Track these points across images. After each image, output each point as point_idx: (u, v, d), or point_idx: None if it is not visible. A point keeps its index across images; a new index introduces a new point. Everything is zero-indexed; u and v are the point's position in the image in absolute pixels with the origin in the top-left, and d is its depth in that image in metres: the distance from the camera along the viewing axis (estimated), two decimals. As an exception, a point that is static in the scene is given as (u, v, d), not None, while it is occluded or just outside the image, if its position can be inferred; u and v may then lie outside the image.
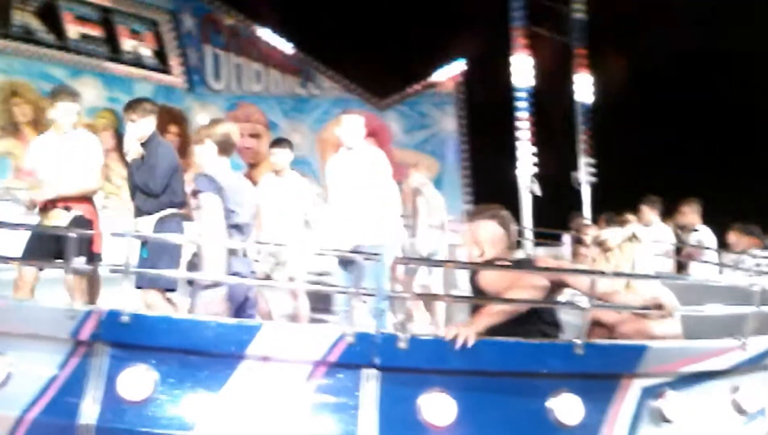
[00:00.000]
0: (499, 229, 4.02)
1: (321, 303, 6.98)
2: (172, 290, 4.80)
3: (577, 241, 9.37)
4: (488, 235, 3.98)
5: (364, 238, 5.06)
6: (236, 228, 4.42)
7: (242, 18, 15.34)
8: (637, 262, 4.02)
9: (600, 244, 4.15)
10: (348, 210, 5.18)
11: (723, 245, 8.01)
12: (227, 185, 4.37)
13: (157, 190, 4.91)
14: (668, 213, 8.88)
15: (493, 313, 3.37)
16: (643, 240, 4.12)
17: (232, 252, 4.24)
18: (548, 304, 3.61)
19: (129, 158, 5.17)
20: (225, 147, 4.55)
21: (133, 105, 5.25)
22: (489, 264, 3.91)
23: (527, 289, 3.54)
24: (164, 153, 5.11)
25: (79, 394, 3.03)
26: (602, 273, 3.50)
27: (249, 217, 4.50)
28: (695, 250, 8.12)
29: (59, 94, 5.62)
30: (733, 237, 7.89)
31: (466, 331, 3.17)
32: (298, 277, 6.24)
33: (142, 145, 5.10)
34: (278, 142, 6.82)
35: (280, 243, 5.86)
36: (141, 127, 5.12)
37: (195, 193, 4.43)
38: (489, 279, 3.78)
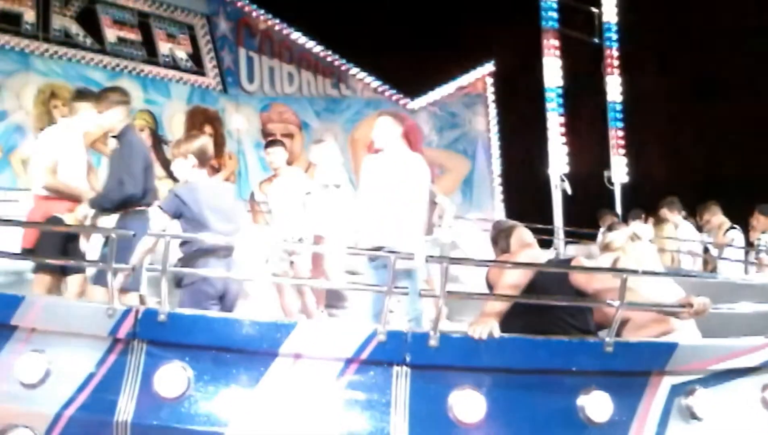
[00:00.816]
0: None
1: (335, 300, 7.09)
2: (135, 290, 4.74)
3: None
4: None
5: (387, 240, 5.04)
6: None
7: (276, 21, 15.47)
8: (642, 260, 4.01)
9: (605, 246, 4.17)
10: (377, 212, 5.20)
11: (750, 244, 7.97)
12: (203, 198, 4.44)
13: (129, 186, 4.87)
14: (694, 213, 8.81)
15: (498, 308, 3.38)
16: (645, 238, 4.12)
17: (211, 252, 4.30)
18: (580, 303, 3.62)
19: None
20: (203, 159, 4.69)
21: (100, 95, 5.28)
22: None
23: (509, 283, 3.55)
24: (138, 148, 5.08)
25: (116, 391, 3.09)
26: (634, 272, 3.48)
27: (228, 222, 4.54)
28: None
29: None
30: (754, 220, 7.83)
31: (486, 327, 3.18)
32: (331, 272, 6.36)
33: (115, 138, 5.07)
34: (271, 143, 6.99)
35: (289, 240, 5.95)
36: (107, 119, 5.08)
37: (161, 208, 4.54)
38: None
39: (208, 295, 4.21)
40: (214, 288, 4.25)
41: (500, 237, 4.18)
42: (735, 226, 8.38)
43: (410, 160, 5.45)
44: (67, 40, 12.96)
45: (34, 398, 3.10)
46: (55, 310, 3.31)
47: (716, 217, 8.48)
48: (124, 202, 4.89)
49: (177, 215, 4.31)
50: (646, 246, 4.15)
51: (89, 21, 13.27)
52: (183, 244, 4.26)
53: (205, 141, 4.82)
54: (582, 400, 3.21)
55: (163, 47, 14.21)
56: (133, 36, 13.87)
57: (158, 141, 13.51)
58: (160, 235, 3.38)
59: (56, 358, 3.15)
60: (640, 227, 8.39)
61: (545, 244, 9.21)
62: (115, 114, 5.10)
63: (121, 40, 13.68)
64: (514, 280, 3.55)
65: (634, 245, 4.11)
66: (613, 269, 3.87)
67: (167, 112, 14.00)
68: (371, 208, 5.24)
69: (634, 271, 3.46)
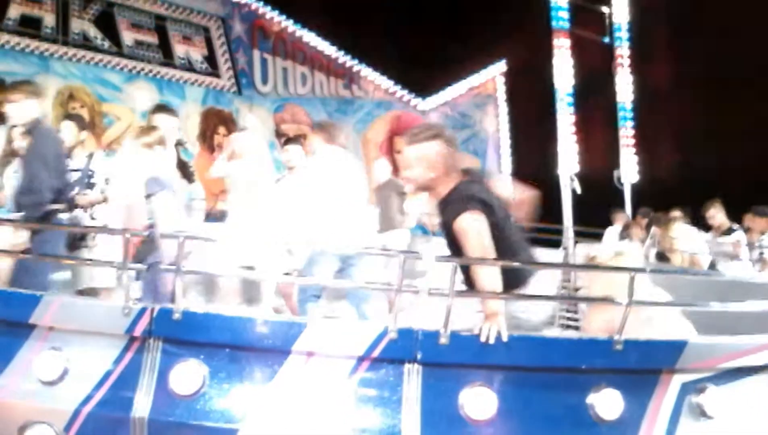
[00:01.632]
0: (445, 146, 3.73)
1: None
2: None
3: (624, 239, 9.31)
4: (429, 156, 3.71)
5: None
6: None
7: (289, 23, 15.56)
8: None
9: (591, 259, 4.21)
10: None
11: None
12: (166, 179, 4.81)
13: (43, 184, 4.77)
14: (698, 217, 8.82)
15: (489, 288, 3.35)
16: (630, 255, 4.15)
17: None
18: (581, 299, 3.64)
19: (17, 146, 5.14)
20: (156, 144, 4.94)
21: (13, 86, 5.37)
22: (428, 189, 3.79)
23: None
24: (51, 142, 5.01)
25: (133, 388, 3.15)
26: (642, 269, 3.50)
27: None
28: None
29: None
30: (748, 221, 7.81)
31: (494, 327, 3.20)
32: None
33: (27, 132, 5.00)
34: (289, 141, 7.05)
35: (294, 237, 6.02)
36: (22, 109, 4.98)
37: (148, 196, 4.70)
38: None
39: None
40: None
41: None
42: (734, 226, 8.37)
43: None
44: (85, 44, 13.13)
45: (53, 395, 3.15)
46: (72, 309, 3.36)
47: (719, 216, 8.47)
48: (41, 199, 4.76)
49: None
50: (631, 262, 4.16)
51: (107, 24, 13.45)
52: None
53: (162, 132, 5.03)
54: (592, 398, 3.23)
55: (179, 49, 14.34)
56: (150, 39, 14.02)
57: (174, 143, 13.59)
58: (174, 235, 3.42)
59: (74, 356, 3.20)
60: (628, 245, 8.48)
61: (554, 243, 9.22)
62: (30, 106, 4.97)
63: (138, 43, 13.83)
64: (478, 236, 3.47)
65: (619, 261, 4.14)
66: (617, 268, 3.89)
67: (182, 114, 14.06)
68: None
69: (642, 269, 3.48)
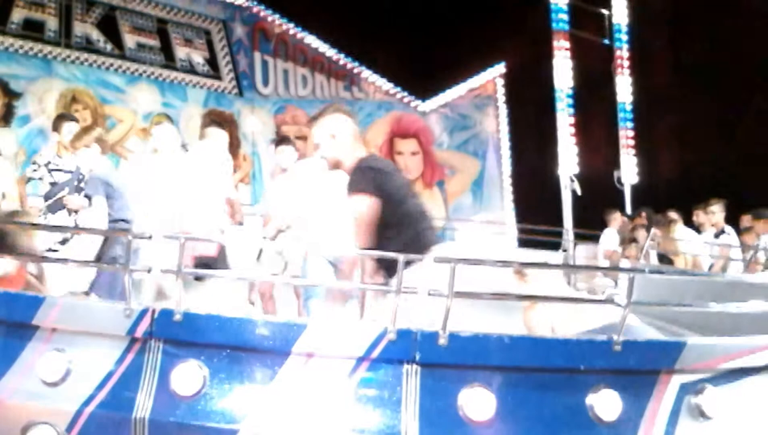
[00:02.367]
0: (347, 121, 4.11)
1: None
2: None
3: (631, 240, 9.31)
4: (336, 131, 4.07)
5: None
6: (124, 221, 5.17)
7: (290, 25, 15.60)
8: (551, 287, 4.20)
9: (518, 272, 4.27)
10: None
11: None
12: (118, 181, 5.17)
13: None
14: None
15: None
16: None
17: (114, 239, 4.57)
18: (583, 300, 3.65)
19: None
20: (104, 147, 4.99)
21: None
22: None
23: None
24: None
25: (135, 388, 3.17)
26: (642, 271, 3.52)
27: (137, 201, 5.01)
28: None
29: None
30: (747, 222, 7.82)
31: None
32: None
33: None
34: (281, 141, 7.09)
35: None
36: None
37: (88, 197, 4.84)
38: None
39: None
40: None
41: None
42: (726, 228, 8.39)
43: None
44: (88, 46, 13.22)
45: (55, 396, 3.17)
46: (74, 310, 3.38)
47: (719, 215, 8.49)
48: None
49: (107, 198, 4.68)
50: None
51: (109, 27, 13.55)
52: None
53: (101, 130, 5.15)
54: (591, 399, 3.24)
55: (181, 52, 14.41)
56: (152, 41, 14.11)
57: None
58: (175, 237, 3.45)
59: (76, 357, 3.23)
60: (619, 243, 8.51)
61: (554, 245, 9.24)
62: None
63: (140, 46, 13.91)
64: (361, 217, 3.90)
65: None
66: (617, 269, 3.92)
67: (184, 116, 14.19)
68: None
69: (641, 270, 3.50)
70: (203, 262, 5.62)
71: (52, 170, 5.87)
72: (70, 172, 5.91)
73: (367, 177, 3.97)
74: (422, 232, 4.14)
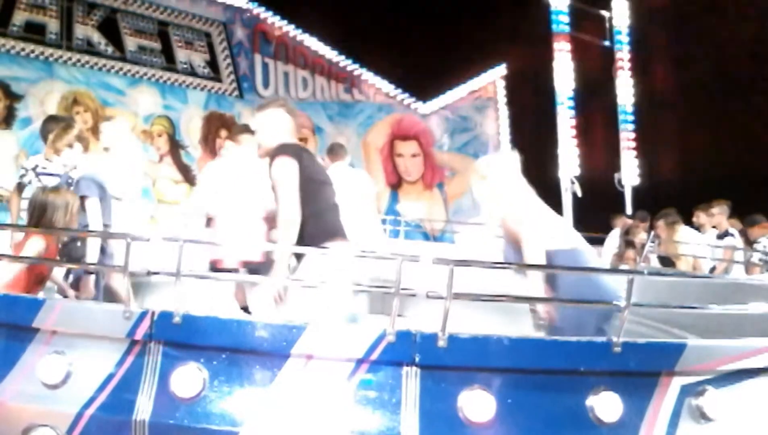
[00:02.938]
0: (288, 116, 4.38)
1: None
2: None
3: (628, 244, 9.29)
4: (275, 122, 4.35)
5: None
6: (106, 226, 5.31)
7: (290, 27, 15.63)
8: None
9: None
10: None
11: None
12: (105, 178, 5.17)
13: None
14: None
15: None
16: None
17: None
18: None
19: None
20: (86, 145, 5.03)
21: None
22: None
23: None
24: None
25: (135, 391, 3.17)
26: (640, 272, 3.51)
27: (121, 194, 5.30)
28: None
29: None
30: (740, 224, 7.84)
31: None
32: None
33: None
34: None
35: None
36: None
37: (82, 198, 4.85)
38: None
39: None
40: None
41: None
42: (730, 230, 8.40)
43: None
44: (89, 49, 13.25)
45: (55, 398, 3.18)
46: (74, 312, 3.39)
47: (719, 217, 8.49)
48: None
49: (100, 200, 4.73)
50: None
51: (110, 30, 13.57)
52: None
53: (81, 127, 5.19)
54: (591, 401, 3.24)
55: (181, 54, 14.43)
56: (153, 44, 14.13)
57: (176, 146, 13.68)
58: (174, 239, 3.44)
59: (76, 360, 3.23)
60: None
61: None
62: None
63: (141, 48, 13.94)
64: (285, 178, 4.14)
65: None
66: (617, 271, 3.91)
67: (185, 118, 14.21)
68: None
69: (640, 272, 3.49)
70: (251, 268, 5.66)
71: (40, 174, 5.86)
72: (58, 175, 5.91)
73: (292, 149, 4.27)
74: (335, 220, 4.38)
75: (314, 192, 4.25)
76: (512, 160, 4.58)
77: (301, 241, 4.10)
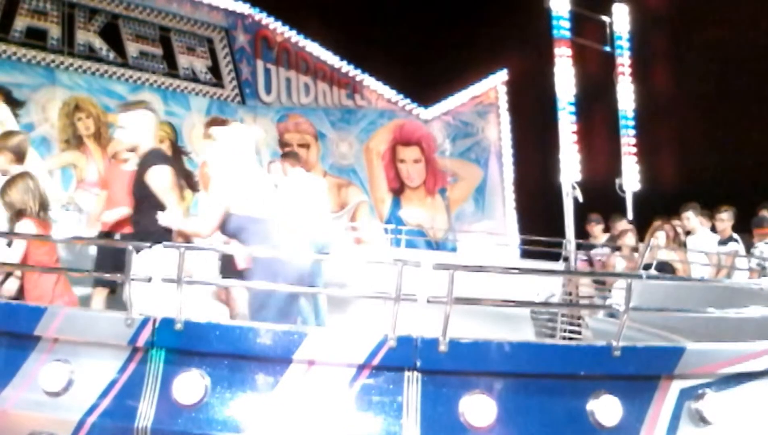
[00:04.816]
0: (152, 117, 5.00)
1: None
2: None
3: (614, 249, 9.25)
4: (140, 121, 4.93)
5: None
6: None
7: (292, 33, 15.66)
8: None
9: None
10: None
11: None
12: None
13: None
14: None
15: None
16: None
17: None
18: (586, 306, 3.67)
19: None
20: (20, 155, 5.02)
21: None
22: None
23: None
24: None
25: (137, 398, 3.18)
26: (639, 276, 3.53)
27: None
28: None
29: None
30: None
31: None
32: None
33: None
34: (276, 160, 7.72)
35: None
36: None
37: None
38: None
39: None
40: None
41: None
42: (734, 236, 8.40)
43: None
44: (90, 55, 13.25)
45: (58, 406, 3.19)
46: (76, 320, 3.40)
47: (726, 222, 8.49)
48: None
49: None
50: None
51: (112, 36, 13.57)
52: None
53: (21, 138, 5.18)
54: (592, 405, 3.25)
55: (183, 60, 14.44)
56: (155, 50, 14.13)
57: (178, 152, 13.71)
58: (176, 246, 3.46)
59: (79, 367, 3.24)
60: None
61: (554, 256, 9.23)
62: None
63: (143, 54, 13.94)
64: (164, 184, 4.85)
65: None
66: (617, 274, 3.93)
67: (187, 124, 14.22)
68: None
69: (638, 276, 3.50)
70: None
71: None
72: None
73: (163, 156, 5.09)
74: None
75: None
76: (246, 133, 5.18)
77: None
